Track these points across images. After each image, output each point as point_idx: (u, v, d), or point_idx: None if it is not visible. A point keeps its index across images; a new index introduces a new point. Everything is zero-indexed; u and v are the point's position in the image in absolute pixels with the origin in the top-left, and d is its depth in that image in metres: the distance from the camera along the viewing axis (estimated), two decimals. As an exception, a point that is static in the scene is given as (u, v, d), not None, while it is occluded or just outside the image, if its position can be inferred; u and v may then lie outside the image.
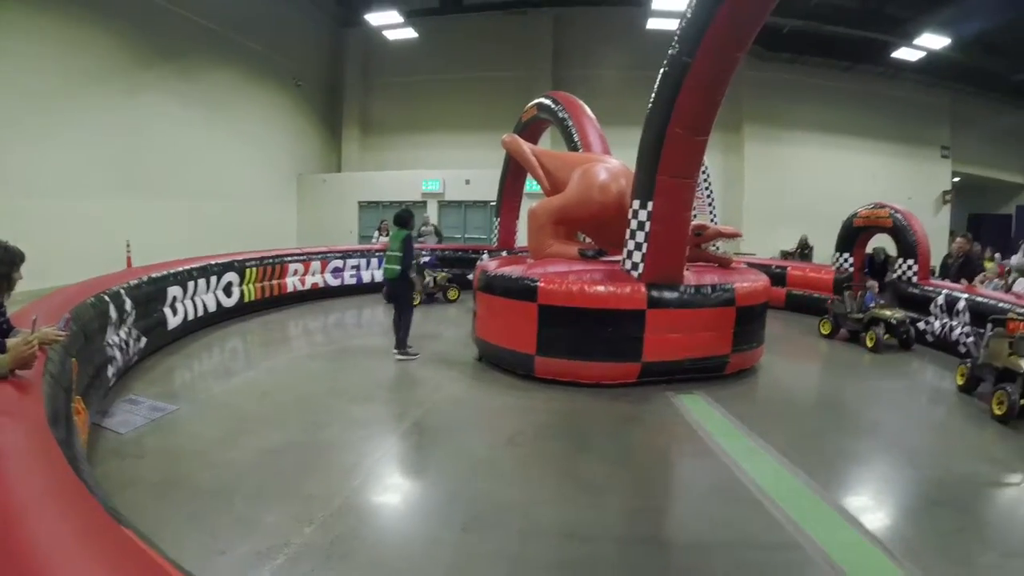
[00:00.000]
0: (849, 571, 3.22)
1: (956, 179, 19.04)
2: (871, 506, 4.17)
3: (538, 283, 6.19)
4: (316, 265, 10.89)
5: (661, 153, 6.19)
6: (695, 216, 12.48)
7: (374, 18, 15.10)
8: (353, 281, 11.51)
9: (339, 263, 11.32)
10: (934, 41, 13.61)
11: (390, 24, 15.41)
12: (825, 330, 9.30)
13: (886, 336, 8.36)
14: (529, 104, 11.22)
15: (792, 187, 16.56)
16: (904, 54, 14.82)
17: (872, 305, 8.80)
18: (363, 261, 11.74)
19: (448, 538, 3.32)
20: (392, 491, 3.98)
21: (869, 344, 8.44)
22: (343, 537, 3.22)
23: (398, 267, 7.03)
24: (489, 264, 7.20)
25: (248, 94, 15.91)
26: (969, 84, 17.16)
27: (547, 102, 10.56)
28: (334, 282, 11.20)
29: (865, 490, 4.49)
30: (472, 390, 6.16)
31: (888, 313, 8.54)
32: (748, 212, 16.35)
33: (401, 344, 7.11)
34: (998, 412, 5.51)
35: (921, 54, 14.55)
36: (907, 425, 5.75)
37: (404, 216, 7.31)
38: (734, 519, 3.76)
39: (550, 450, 4.73)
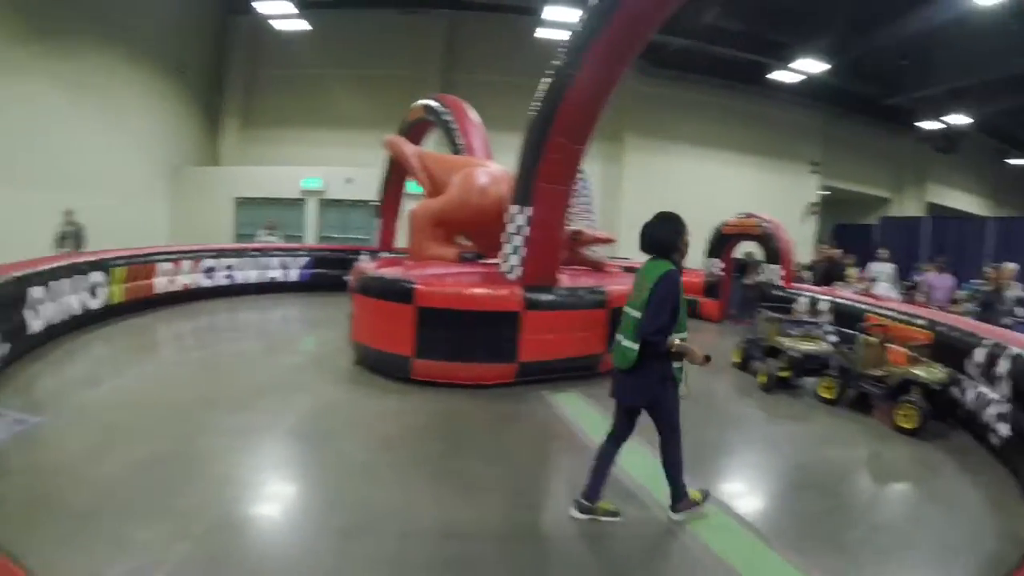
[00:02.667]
0: (724, 555, 3.43)
1: (826, 192, 20.64)
2: (741, 492, 4.49)
3: (415, 285, 6.14)
4: (188, 264, 10.22)
5: (541, 159, 6.33)
6: (574, 221, 13.04)
7: (264, 7, 14.37)
8: (227, 282, 10.91)
9: (212, 263, 10.68)
10: (812, 65, 14.51)
11: (282, 14, 14.71)
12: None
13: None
14: (415, 105, 11.13)
15: (670, 196, 16.87)
16: (783, 76, 15.74)
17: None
18: (237, 261, 11.14)
19: (328, 546, 3.25)
20: (269, 501, 3.83)
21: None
22: (221, 552, 3.08)
23: (634, 345, 3.49)
24: (366, 266, 7.06)
25: (125, 78, 14.62)
26: (841, 106, 18.61)
27: (433, 104, 10.52)
28: (207, 283, 10.57)
29: (734, 477, 4.82)
30: (349, 394, 6.00)
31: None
32: (627, 219, 16.71)
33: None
34: (906, 426, 5.74)
35: (799, 77, 15.50)
36: (772, 416, 6.17)
37: (653, 232, 3.68)
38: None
39: (428, 452, 4.70)
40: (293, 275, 11.91)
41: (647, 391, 3.56)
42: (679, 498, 3.74)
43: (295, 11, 14.45)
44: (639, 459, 4.47)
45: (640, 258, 3.78)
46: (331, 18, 16.36)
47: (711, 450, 5.13)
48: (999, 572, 3.29)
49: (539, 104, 6.36)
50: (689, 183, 17.65)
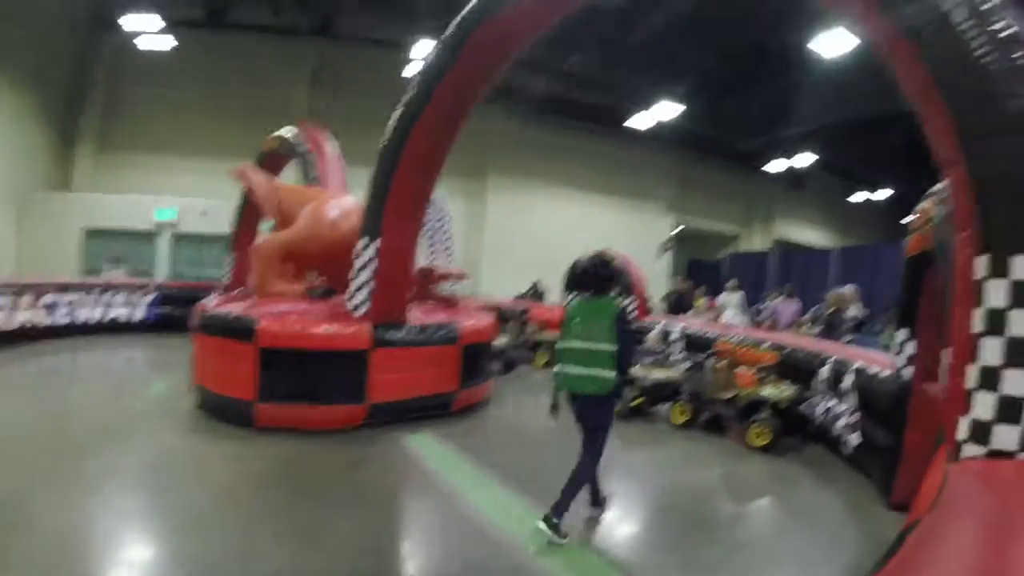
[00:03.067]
0: None
1: (680, 228, 21.99)
2: (600, 520, 4.45)
3: (257, 323, 5.77)
4: (27, 300, 9.13)
5: (389, 191, 6.23)
6: (433, 256, 13.02)
7: (131, 21, 13.36)
8: (67, 320, 9.81)
9: (54, 298, 9.57)
10: (668, 110, 15.45)
11: (148, 31, 13.72)
12: None
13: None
14: (273, 135, 10.71)
15: (531, 234, 17.63)
16: (640, 122, 16.66)
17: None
18: (81, 296, 10.05)
19: None
20: (98, 558, 3.45)
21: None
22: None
23: (611, 373, 3.88)
24: (207, 303, 6.56)
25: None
26: (696, 149, 19.93)
27: (288, 136, 10.17)
28: (47, 321, 9.47)
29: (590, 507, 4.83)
30: (189, 441, 5.55)
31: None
32: (489, 255, 17.09)
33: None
34: (759, 444, 6.05)
35: (655, 122, 16.44)
36: (628, 444, 6.23)
37: (599, 272, 4.10)
38: (462, 550, 3.82)
39: (271, 500, 4.41)
40: (139, 314, 10.94)
41: (609, 413, 4.10)
42: (559, 513, 3.84)
43: (163, 26, 13.60)
44: (497, 500, 4.52)
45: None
46: (199, 39, 15.56)
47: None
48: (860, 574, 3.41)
49: (389, 136, 6.29)
50: (551, 221, 18.18)
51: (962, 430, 2.71)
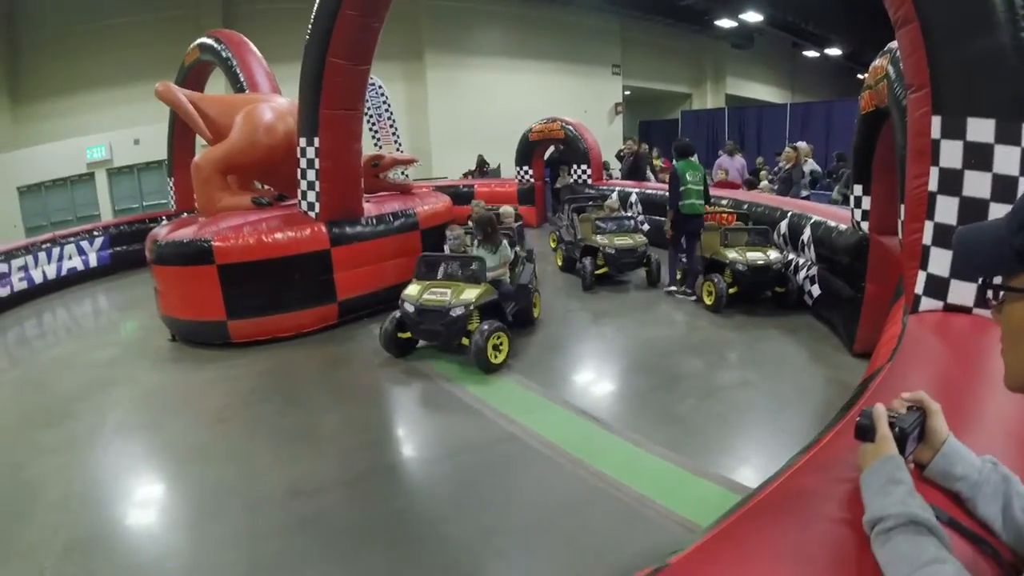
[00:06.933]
0: (568, 447, 3.62)
1: (627, 92, 21.54)
2: (578, 386, 4.75)
3: (212, 242, 5.65)
4: None
5: (322, 85, 5.97)
6: (379, 145, 12.69)
7: None
8: (24, 286, 9.22)
9: (3, 267, 8.81)
10: None
11: None
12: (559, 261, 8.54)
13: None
14: (191, 46, 10.04)
15: (475, 110, 17.02)
16: None
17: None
18: (32, 258, 9.35)
19: (180, 537, 3.11)
20: (111, 511, 3.46)
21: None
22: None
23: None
24: (159, 232, 6.35)
25: None
26: (637, 9, 18.94)
27: (210, 42, 9.50)
28: (2, 292, 8.70)
29: (570, 373, 5.06)
30: (170, 374, 5.53)
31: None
32: (434, 137, 16.60)
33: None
34: (708, 302, 6.28)
35: None
36: (596, 317, 6.45)
37: (687, 146, 7.06)
38: (451, 428, 4.04)
39: (260, 414, 4.50)
40: (94, 260, 10.57)
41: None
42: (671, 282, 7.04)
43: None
44: (476, 378, 4.71)
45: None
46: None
47: (549, 352, 5.39)
48: (828, 418, 3.73)
49: (313, 28, 5.97)
50: (495, 95, 17.52)
51: (919, 284, 2.78)
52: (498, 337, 4.88)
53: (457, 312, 4.85)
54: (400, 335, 5.27)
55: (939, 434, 1.16)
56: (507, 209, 7.67)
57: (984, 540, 1.03)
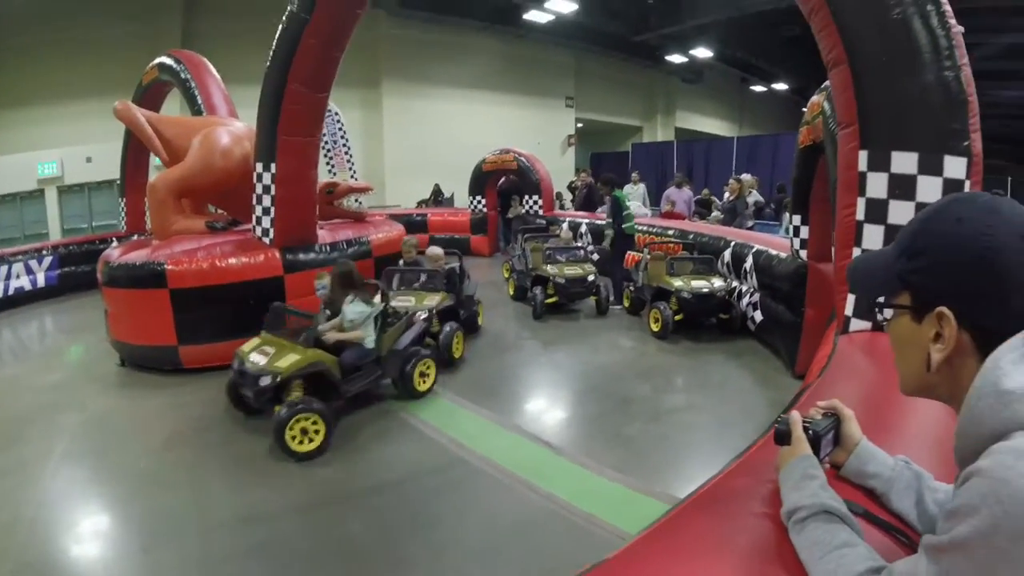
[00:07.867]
0: (519, 470, 3.68)
1: (579, 125, 22.11)
2: (531, 412, 4.84)
3: (166, 266, 5.59)
4: None
5: (280, 111, 6.00)
6: (333, 172, 12.71)
7: None
8: None
9: None
10: (563, 5, 14.86)
11: None
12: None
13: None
14: (150, 65, 9.93)
15: (431, 139, 17.16)
16: (535, 16, 16.09)
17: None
18: None
19: (132, 562, 3.03)
20: (62, 535, 3.37)
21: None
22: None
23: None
24: (111, 253, 6.23)
25: None
26: (592, 44, 19.54)
27: (169, 62, 9.43)
28: None
29: (518, 400, 5.16)
30: (120, 399, 5.40)
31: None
32: (389, 165, 16.66)
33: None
34: (655, 329, 6.48)
35: (551, 16, 15.92)
36: (546, 345, 6.56)
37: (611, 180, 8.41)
38: (404, 454, 4.07)
39: (211, 441, 4.44)
40: (42, 280, 10.22)
41: None
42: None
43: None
44: (434, 407, 4.76)
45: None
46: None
47: (499, 379, 5.50)
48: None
49: (274, 54, 6.01)
50: (450, 125, 17.71)
51: (849, 306, 2.98)
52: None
53: (264, 381, 4.16)
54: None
55: (852, 438, 1.28)
56: (434, 250, 6.94)
57: (899, 530, 1.14)
